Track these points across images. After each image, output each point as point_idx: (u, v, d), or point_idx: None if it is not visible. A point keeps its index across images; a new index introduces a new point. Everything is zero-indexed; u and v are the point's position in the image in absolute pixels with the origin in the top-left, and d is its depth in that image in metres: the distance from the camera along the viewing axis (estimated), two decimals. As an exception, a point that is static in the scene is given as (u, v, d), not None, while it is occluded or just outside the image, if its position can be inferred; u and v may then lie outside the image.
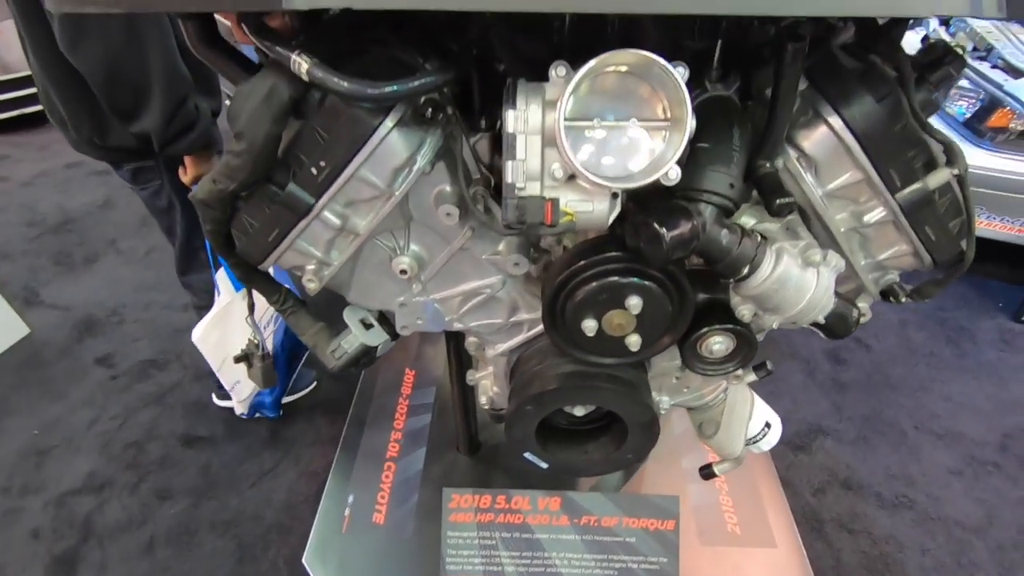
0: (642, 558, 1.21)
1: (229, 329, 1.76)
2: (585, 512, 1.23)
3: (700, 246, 0.71)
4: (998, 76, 2.55)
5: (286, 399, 2.18)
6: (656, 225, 0.68)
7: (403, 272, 0.90)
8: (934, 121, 0.77)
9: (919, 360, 2.48)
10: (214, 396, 2.19)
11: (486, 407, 1.19)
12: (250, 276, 0.93)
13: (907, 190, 0.75)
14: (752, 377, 1.12)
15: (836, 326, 0.81)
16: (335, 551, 1.57)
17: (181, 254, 1.84)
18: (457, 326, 1.02)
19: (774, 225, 0.83)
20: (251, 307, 1.04)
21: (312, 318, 1.03)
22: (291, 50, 0.63)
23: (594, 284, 0.79)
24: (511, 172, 0.66)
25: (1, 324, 2.49)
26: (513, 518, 1.23)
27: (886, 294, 0.92)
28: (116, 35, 1.23)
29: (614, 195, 0.69)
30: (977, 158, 2.44)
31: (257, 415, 2.13)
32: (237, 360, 1.17)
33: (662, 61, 0.60)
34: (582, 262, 0.79)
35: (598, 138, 0.65)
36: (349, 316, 1.02)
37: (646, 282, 0.79)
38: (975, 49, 2.72)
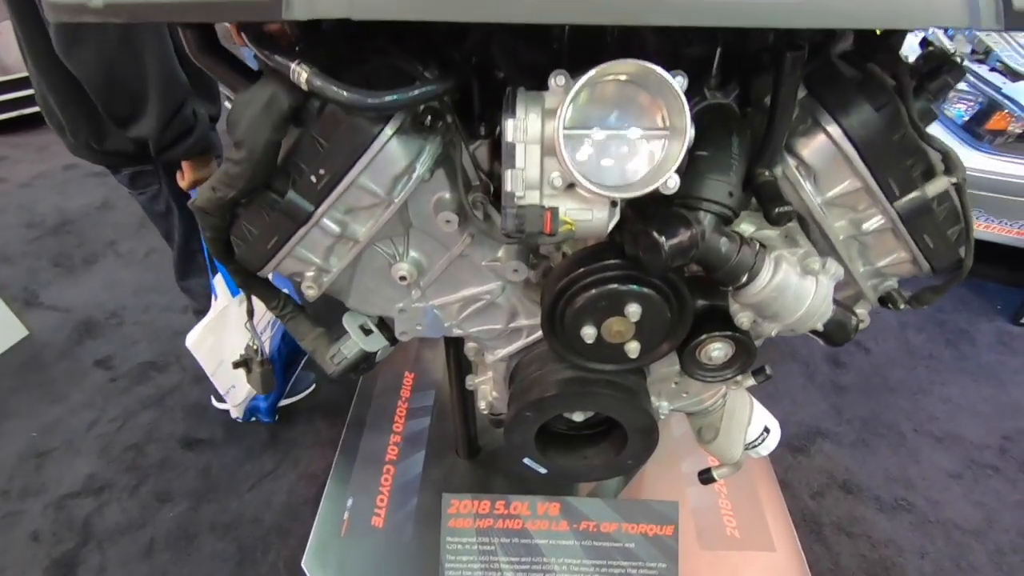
0: (641, 563, 1.22)
1: (225, 334, 1.76)
2: (584, 517, 1.23)
3: (699, 254, 0.71)
4: (996, 79, 2.55)
5: (285, 401, 2.17)
6: (655, 234, 0.68)
7: (402, 278, 0.90)
8: (933, 125, 0.77)
9: (918, 363, 2.48)
10: (213, 399, 2.19)
11: (485, 412, 1.19)
12: (249, 282, 0.93)
13: (905, 198, 0.75)
14: (751, 382, 1.13)
15: (835, 333, 0.82)
16: (334, 554, 1.58)
17: (179, 258, 1.84)
18: (456, 332, 1.02)
19: (773, 232, 0.83)
20: (250, 312, 1.04)
21: (311, 323, 1.03)
22: (291, 59, 0.63)
23: (593, 291, 0.79)
24: (510, 181, 0.66)
25: (0, 326, 2.48)
26: (512, 523, 1.23)
27: (885, 301, 0.92)
28: (112, 41, 1.23)
29: (613, 203, 0.69)
30: (975, 161, 2.44)
31: (253, 419, 2.13)
32: (236, 365, 1.17)
33: (660, 71, 0.60)
34: (581, 269, 0.79)
35: (597, 147, 0.66)
36: (348, 322, 1.02)
37: (645, 289, 0.79)
38: (974, 52, 2.72)
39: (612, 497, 1.63)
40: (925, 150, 0.75)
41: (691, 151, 0.68)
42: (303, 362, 2.22)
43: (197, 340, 1.76)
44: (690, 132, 0.62)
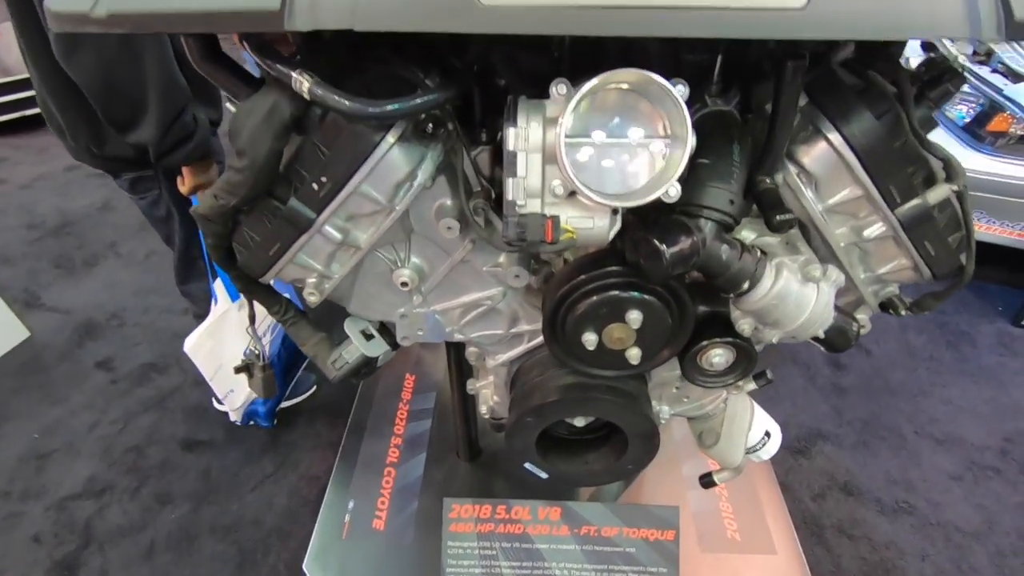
0: (642, 568, 1.22)
1: (224, 338, 1.76)
2: (585, 522, 1.23)
3: (700, 262, 0.71)
4: (998, 80, 2.54)
5: (286, 403, 2.18)
6: (656, 241, 0.68)
7: (404, 284, 0.90)
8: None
9: (919, 364, 2.48)
10: (214, 400, 2.19)
11: (486, 416, 1.19)
12: (251, 288, 0.93)
13: (907, 206, 0.75)
14: (752, 386, 1.13)
15: (836, 340, 0.82)
16: (335, 557, 1.58)
17: (180, 263, 1.84)
18: (458, 337, 1.02)
19: (774, 240, 0.83)
20: (252, 318, 1.04)
21: (313, 328, 1.03)
22: (293, 68, 0.63)
23: (594, 298, 0.79)
24: (511, 189, 0.66)
25: (1, 327, 2.49)
26: (513, 528, 1.23)
27: (886, 306, 0.92)
28: (112, 47, 1.22)
29: (614, 211, 0.70)
30: (977, 162, 2.44)
31: (251, 423, 2.13)
32: (238, 370, 1.17)
33: (662, 80, 0.60)
34: (583, 276, 0.79)
35: (598, 155, 0.66)
36: (350, 327, 1.02)
37: (646, 296, 0.79)
38: (975, 53, 2.72)
39: (613, 500, 1.63)
40: (926, 157, 0.75)
41: (692, 158, 0.68)
42: (302, 367, 2.22)
43: (195, 344, 1.76)
44: (691, 140, 0.62)
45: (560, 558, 1.23)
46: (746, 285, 0.74)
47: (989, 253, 2.57)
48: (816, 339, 0.81)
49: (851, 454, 2.10)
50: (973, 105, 2.55)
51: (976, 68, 2.64)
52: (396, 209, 0.79)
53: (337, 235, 0.81)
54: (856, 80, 0.74)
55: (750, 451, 1.18)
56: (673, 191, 0.64)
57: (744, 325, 0.81)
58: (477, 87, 0.76)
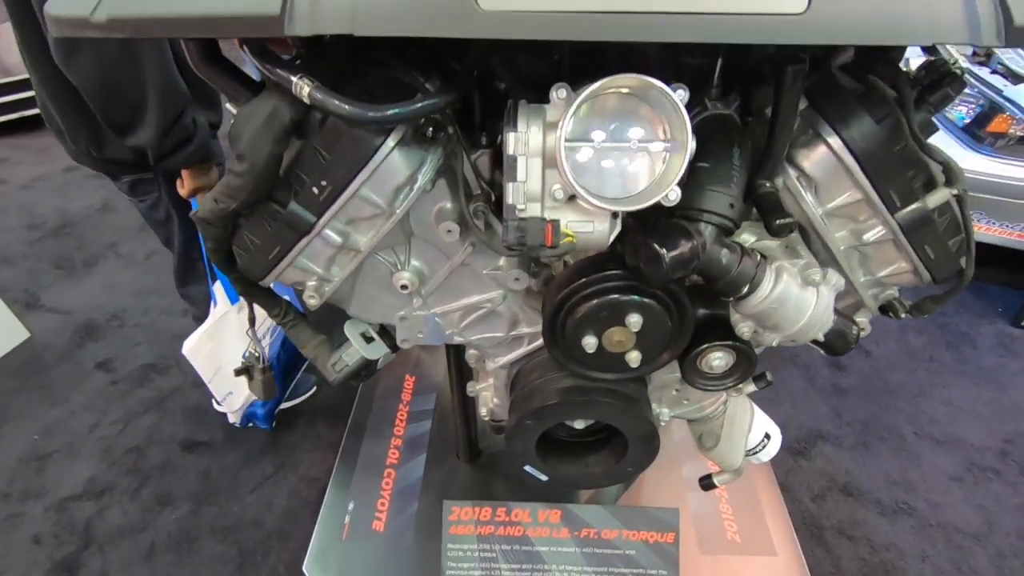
0: (642, 571, 1.22)
1: (222, 341, 1.76)
2: (585, 524, 1.23)
3: (700, 266, 0.71)
4: (998, 81, 2.54)
5: (285, 404, 2.18)
6: (656, 245, 0.69)
7: (404, 287, 0.90)
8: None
9: (919, 365, 2.48)
10: (214, 401, 2.19)
11: (486, 419, 1.19)
12: (251, 291, 0.93)
13: (906, 210, 0.75)
14: (752, 388, 1.12)
15: (835, 343, 0.82)
16: (335, 558, 1.58)
17: (179, 266, 1.84)
18: (457, 339, 1.02)
19: (774, 243, 0.83)
20: (252, 320, 1.04)
21: (313, 331, 1.03)
22: (293, 73, 0.63)
23: (594, 301, 0.79)
24: (511, 193, 0.66)
25: (1, 328, 2.49)
26: (513, 530, 1.23)
27: (885, 309, 0.92)
28: (111, 50, 1.22)
29: (614, 215, 0.70)
30: (976, 163, 2.44)
31: (250, 425, 2.13)
32: (238, 373, 1.17)
33: (662, 85, 0.60)
34: (583, 280, 0.79)
35: (599, 160, 0.66)
36: (350, 329, 1.02)
37: (646, 300, 0.79)
38: (975, 54, 2.72)
39: (612, 501, 1.63)
40: (926, 162, 0.75)
41: (692, 162, 0.68)
42: (302, 368, 2.22)
43: (194, 347, 1.76)
44: (691, 145, 0.62)
45: (560, 560, 1.23)
46: (746, 289, 0.74)
47: (989, 254, 2.57)
48: (816, 342, 0.82)
49: (851, 455, 2.10)
50: (973, 106, 2.55)
51: (976, 69, 2.64)
52: (396, 213, 0.79)
53: (337, 238, 0.81)
54: (856, 84, 0.74)
55: (750, 453, 1.18)
56: (673, 195, 0.64)
57: (744, 328, 0.81)
58: (477, 90, 0.76)
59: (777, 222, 0.72)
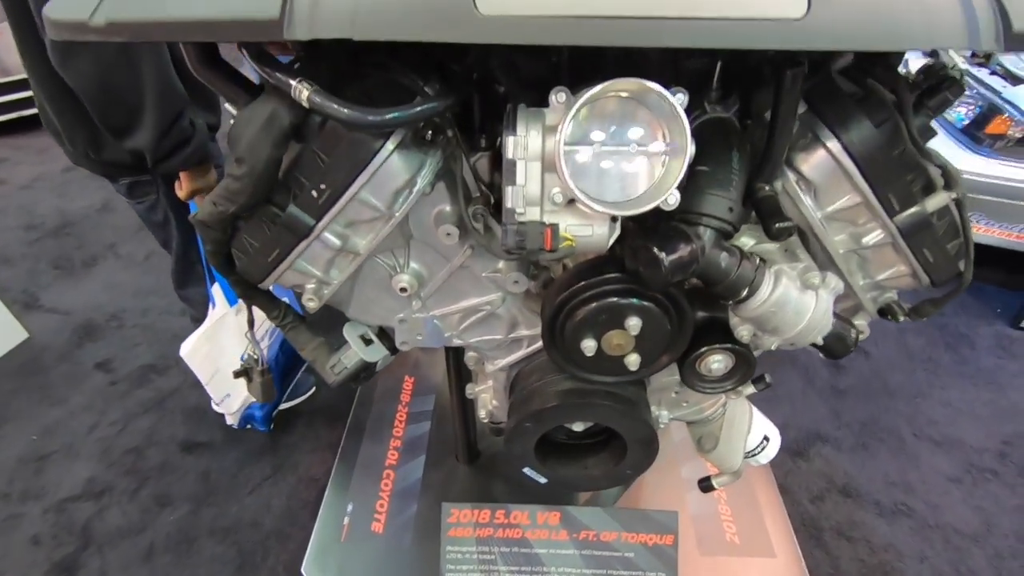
0: (641, 573, 1.22)
1: (220, 343, 1.76)
2: (584, 527, 1.23)
3: (699, 269, 0.71)
4: (996, 83, 2.54)
5: (285, 405, 2.17)
6: (655, 249, 0.69)
7: (403, 290, 0.90)
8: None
9: (917, 366, 2.48)
10: (213, 402, 2.18)
11: (485, 421, 1.19)
12: (250, 293, 0.93)
13: (905, 213, 0.76)
14: (751, 390, 1.12)
15: (834, 346, 0.82)
16: (334, 560, 1.58)
17: (178, 267, 1.83)
18: (457, 342, 1.02)
19: (773, 247, 0.83)
20: (251, 323, 1.04)
21: (311, 333, 1.03)
22: (292, 77, 0.63)
23: (594, 305, 0.79)
24: (511, 197, 0.66)
25: (0, 328, 2.48)
26: (512, 533, 1.23)
27: (884, 312, 0.93)
28: (108, 52, 1.21)
29: (613, 219, 0.70)
30: (975, 164, 2.44)
31: (248, 427, 2.13)
32: (237, 375, 1.17)
33: (661, 90, 0.60)
34: (582, 283, 0.79)
35: (598, 164, 0.66)
36: (349, 332, 1.02)
37: (645, 303, 0.79)
38: (974, 56, 2.72)
39: (611, 503, 1.63)
40: (925, 166, 0.75)
41: (691, 166, 0.68)
42: (301, 370, 2.21)
43: (192, 349, 1.76)
44: (690, 149, 0.63)
45: (559, 563, 1.23)
46: (745, 292, 0.74)
47: (987, 255, 2.56)
48: (815, 345, 0.82)
49: (850, 456, 2.10)
50: (972, 107, 2.55)
51: (975, 71, 2.64)
52: (395, 216, 0.79)
53: (336, 241, 0.81)
54: (855, 88, 0.74)
55: (749, 455, 1.18)
56: (672, 199, 0.64)
57: (743, 331, 0.81)
58: (476, 93, 0.76)
59: (776, 226, 0.72)
